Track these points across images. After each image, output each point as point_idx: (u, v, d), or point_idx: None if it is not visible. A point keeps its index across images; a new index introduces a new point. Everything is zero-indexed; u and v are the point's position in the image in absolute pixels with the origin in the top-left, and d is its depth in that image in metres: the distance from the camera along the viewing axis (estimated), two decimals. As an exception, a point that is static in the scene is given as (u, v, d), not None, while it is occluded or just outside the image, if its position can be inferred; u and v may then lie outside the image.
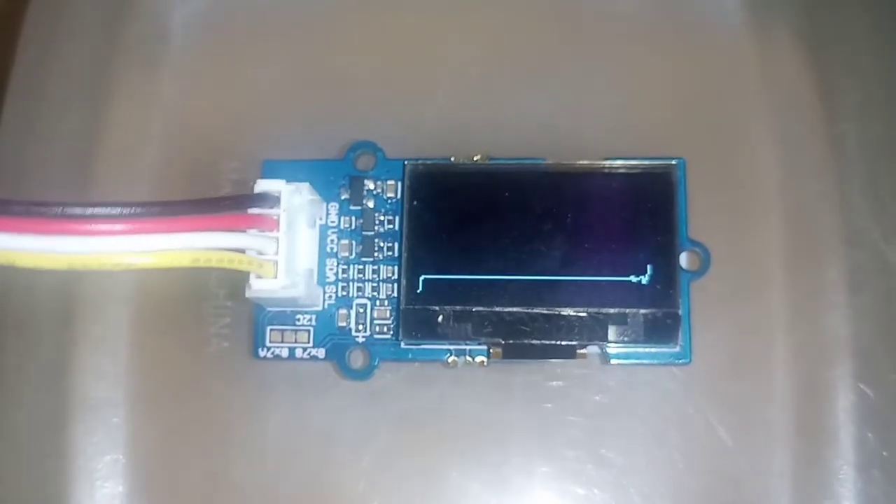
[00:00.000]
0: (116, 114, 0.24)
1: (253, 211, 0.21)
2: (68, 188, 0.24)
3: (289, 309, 0.22)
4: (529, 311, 0.21)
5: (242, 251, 0.21)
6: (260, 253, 0.21)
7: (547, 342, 0.21)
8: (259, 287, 0.21)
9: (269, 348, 0.22)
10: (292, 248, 0.21)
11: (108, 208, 0.20)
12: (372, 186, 0.22)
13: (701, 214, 0.22)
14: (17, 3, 0.27)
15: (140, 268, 0.20)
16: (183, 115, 0.24)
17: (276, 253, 0.21)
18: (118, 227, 0.19)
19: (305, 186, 0.22)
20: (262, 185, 0.21)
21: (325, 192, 0.22)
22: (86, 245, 0.19)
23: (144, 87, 0.24)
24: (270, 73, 0.24)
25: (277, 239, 0.21)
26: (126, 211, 0.19)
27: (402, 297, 0.22)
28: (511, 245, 0.22)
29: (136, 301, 0.23)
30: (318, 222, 0.22)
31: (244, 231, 0.21)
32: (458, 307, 0.21)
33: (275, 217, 0.21)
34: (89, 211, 0.19)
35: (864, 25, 0.23)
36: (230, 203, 0.21)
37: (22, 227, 0.19)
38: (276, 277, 0.21)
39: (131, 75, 0.24)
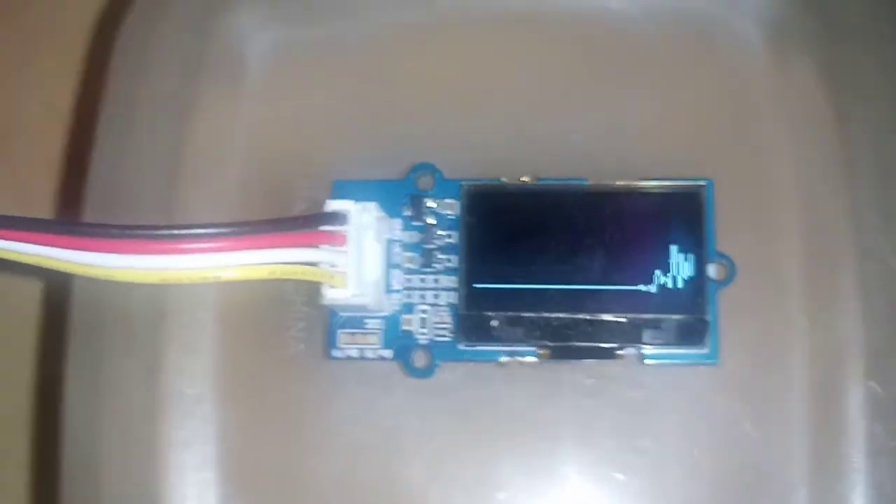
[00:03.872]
0: (199, 136, 0.26)
1: (324, 228, 0.22)
2: (156, 205, 0.25)
3: (359, 314, 0.24)
4: (574, 316, 0.23)
5: (316, 264, 0.22)
6: (332, 266, 0.22)
7: (589, 345, 0.23)
8: (331, 296, 0.23)
9: (341, 349, 0.24)
10: (361, 260, 0.23)
11: (194, 229, 0.21)
12: (432, 204, 0.24)
13: (728, 229, 0.23)
14: (106, 34, 0.30)
15: (223, 281, 0.22)
16: (260, 138, 0.26)
17: (346, 266, 0.23)
18: (203, 245, 0.21)
19: (373, 205, 0.23)
20: (332, 205, 0.23)
21: (390, 209, 0.24)
22: (175, 262, 0.21)
23: (224, 112, 0.26)
24: (340, 99, 0.26)
25: (347, 253, 0.23)
26: (211, 231, 0.21)
27: (460, 304, 0.23)
28: (557, 257, 0.23)
29: (221, 307, 0.25)
30: (385, 237, 0.24)
31: (317, 247, 0.23)
32: (510, 313, 0.23)
33: (344, 233, 0.23)
34: (177, 232, 0.21)
35: (881, 57, 0.25)
36: (304, 222, 0.23)
37: (119, 247, 0.21)
38: (346, 287, 0.23)
39: (212, 100, 0.26)
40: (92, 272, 0.21)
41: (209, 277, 0.22)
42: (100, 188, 0.26)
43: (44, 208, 0.29)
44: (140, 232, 0.21)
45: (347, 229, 0.23)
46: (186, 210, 0.25)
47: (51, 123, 0.30)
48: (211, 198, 0.26)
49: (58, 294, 0.26)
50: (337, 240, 0.23)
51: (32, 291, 0.29)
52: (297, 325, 0.25)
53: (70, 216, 0.27)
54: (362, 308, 0.24)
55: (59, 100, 0.30)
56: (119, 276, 0.21)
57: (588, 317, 0.23)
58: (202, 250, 0.21)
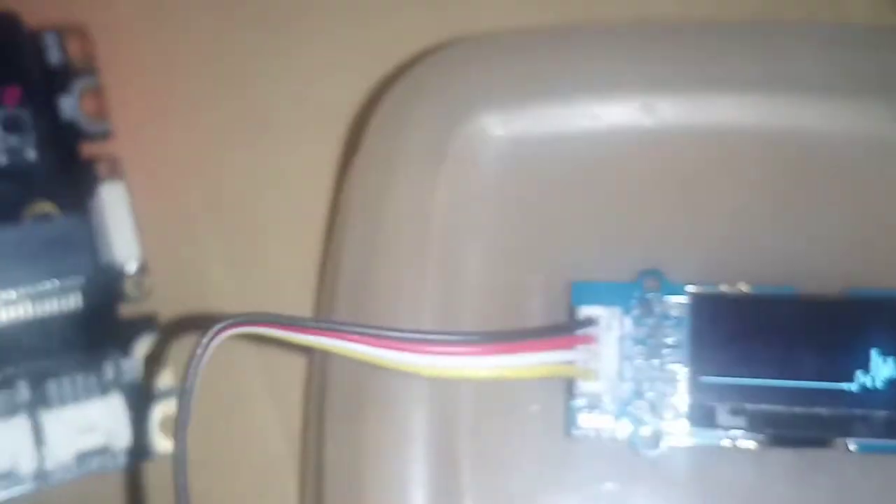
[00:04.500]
0: (436, 236, 0.29)
1: (578, 332, 0.27)
2: (401, 304, 0.28)
3: (597, 399, 0.27)
4: (789, 408, 0.27)
5: (571, 363, 0.27)
6: (584, 363, 0.27)
7: (805, 434, 0.27)
8: (582, 388, 0.27)
9: (580, 429, 0.27)
10: (605, 356, 0.27)
11: (460, 336, 0.26)
12: (659, 306, 0.28)
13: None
14: (354, 134, 0.34)
15: (484, 380, 0.27)
16: (492, 236, 0.29)
17: (597, 362, 0.27)
18: (465, 349, 0.26)
19: (616, 309, 0.28)
20: (585, 311, 0.27)
21: (622, 307, 0.28)
22: (464, 363, 0.26)
23: (464, 217, 0.29)
24: (572, 203, 0.29)
25: (596, 352, 0.27)
26: (473, 338, 0.26)
27: (686, 394, 0.27)
28: (773, 356, 0.27)
29: (471, 386, 0.28)
30: (620, 332, 0.28)
31: (572, 348, 0.27)
32: (732, 404, 0.27)
33: (593, 335, 0.27)
34: (471, 338, 0.26)
35: None
36: (564, 327, 0.27)
37: (422, 349, 0.26)
38: (597, 381, 0.27)
39: (449, 200, 0.29)
40: (396, 367, 0.26)
41: (470, 377, 0.27)
42: (349, 285, 0.29)
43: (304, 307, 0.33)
44: (445, 337, 0.26)
45: (597, 331, 0.27)
46: (429, 307, 0.28)
47: (301, 223, 0.34)
48: (449, 294, 0.29)
49: (320, 366, 0.30)
50: (588, 341, 0.27)
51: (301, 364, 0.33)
52: (533, 405, 0.28)
53: (325, 313, 0.30)
54: (601, 394, 0.28)
55: (309, 200, 0.34)
56: (422, 371, 0.26)
57: (804, 410, 0.27)
58: (462, 353, 0.26)
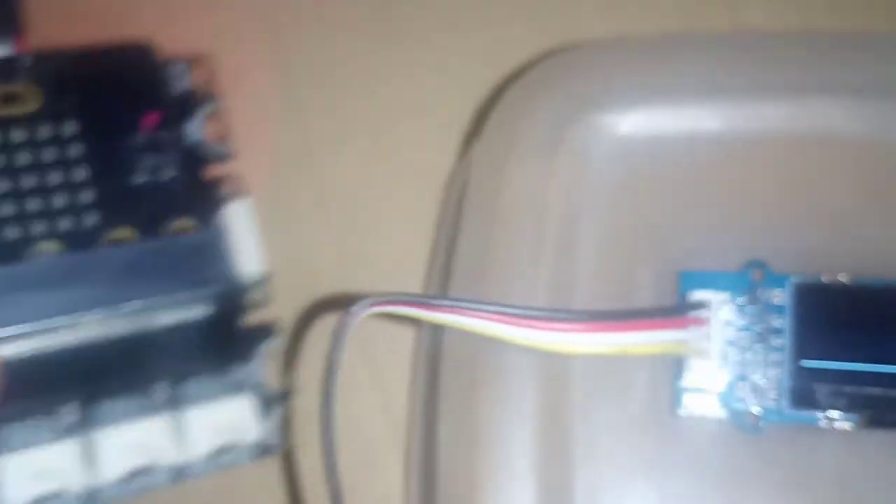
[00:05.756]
0: (550, 224, 0.30)
1: (690, 314, 0.29)
2: (518, 291, 0.30)
3: (703, 380, 0.30)
4: (888, 392, 0.28)
5: (684, 342, 0.29)
6: (696, 342, 0.29)
7: None
8: (691, 368, 0.29)
9: (685, 409, 0.29)
10: (714, 337, 0.29)
11: (581, 314, 0.28)
12: (762, 294, 0.30)
13: None
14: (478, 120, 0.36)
15: (609, 356, 0.29)
16: (607, 230, 0.31)
17: (710, 342, 0.29)
18: (617, 325, 0.28)
19: (724, 294, 0.30)
20: (697, 296, 0.29)
21: (731, 293, 0.30)
22: (606, 339, 0.28)
23: (577, 207, 0.31)
24: (679, 198, 0.31)
25: (707, 333, 0.29)
26: (622, 314, 0.29)
27: (787, 377, 0.29)
28: (873, 342, 0.29)
29: (581, 366, 0.30)
30: (727, 317, 0.30)
31: (686, 328, 0.29)
32: (832, 386, 0.29)
33: (708, 317, 0.29)
34: (578, 315, 0.28)
35: None
36: (679, 308, 0.29)
37: (518, 322, 0.28)
38: (710, 360, 0.29)
39: (567, 195, 0.31)
40: (526, 344, 0.28)
41: (613, 352, 0.29)
42: (465, 267, 0.31)
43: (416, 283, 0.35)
44: (537, 312, 0.28)
45: (708, 314, 0.29)
46: (542, 292, 0.30)
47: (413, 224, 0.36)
48: (562, 280, 0.31)
49: (433, 346, 0.32)
50: (700, 322, 0.29)
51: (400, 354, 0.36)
52: (642, 386, 0.30)
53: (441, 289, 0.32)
54: (707, 375, 0.30)
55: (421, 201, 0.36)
56: (524, 343, 0.28)
57: (899, 393, 0.28)
58: (613, 329, 0.28)
